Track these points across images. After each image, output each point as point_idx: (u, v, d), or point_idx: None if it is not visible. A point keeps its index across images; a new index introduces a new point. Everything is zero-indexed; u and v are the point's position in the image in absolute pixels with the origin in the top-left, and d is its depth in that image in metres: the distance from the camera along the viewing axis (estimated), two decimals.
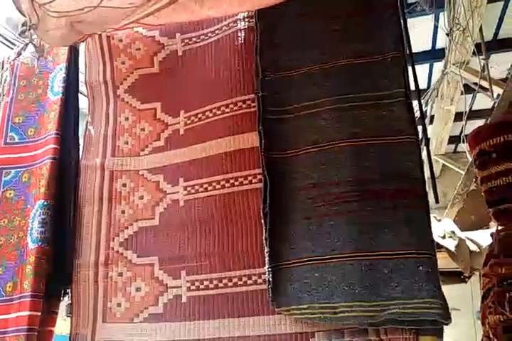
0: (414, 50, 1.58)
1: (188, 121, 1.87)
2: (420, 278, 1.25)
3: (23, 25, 1.66)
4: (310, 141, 1.57)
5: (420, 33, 3.79)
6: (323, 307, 1.33)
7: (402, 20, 1.59)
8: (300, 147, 1.57)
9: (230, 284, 1.56)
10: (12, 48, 2.86)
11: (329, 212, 1.43)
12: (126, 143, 1.96)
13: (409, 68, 1.60)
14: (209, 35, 1.96)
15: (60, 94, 1.98)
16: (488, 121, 2.60)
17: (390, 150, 1.46)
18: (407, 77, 1.56)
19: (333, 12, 1.71)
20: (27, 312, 1.65)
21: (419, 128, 1.59)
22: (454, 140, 5.81)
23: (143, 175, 1.89)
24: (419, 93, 1.72)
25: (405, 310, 1.22)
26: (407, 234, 1.32)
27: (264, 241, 1.48)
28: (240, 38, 1.86)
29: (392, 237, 1.33)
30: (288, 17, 1.78)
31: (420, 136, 1.52)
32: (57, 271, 1.78)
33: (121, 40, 2.10)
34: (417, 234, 1.32)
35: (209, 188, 1.72)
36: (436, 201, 1.40)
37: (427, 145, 1.60)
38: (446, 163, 5.70)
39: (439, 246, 2.10)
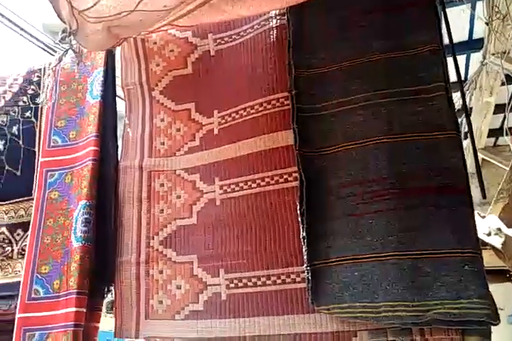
0: (454, 40, 1.53)
1: (222, 121, 1.89)
2: (466, 277, 1.21)
3: (63, 31, 1.72)
4: (346, 138, 1.54)
5: (456, 23, 3.66)
6: (364, 306, 1.31)
7: (441, 11, 1.54)
8: (336, 144, 1.56)
9: (268, 282, 1.57)
10: (52, 54, 2.97)
11: (369, 210, 1.41)
12: (163, 143, 2.00)
13: (446, 60, 1.55)
14: (241, 34, 1.96)
15: (99, 98, 2.04)
16: None
17: (430, 146, 1.42)
18: (447, 69, 1.51)
19: (367, 6, 1.68)
20: (73, 309, 1.71)
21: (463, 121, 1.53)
22: (494, 133, 5.58)
23: (179, 174, 1.92)
24: (462, 85, 1.66)
25: (451, 310, 1.19)
26: (450, 232, 1.29)
27: (302, 240, 1.48)
28: (272, 36, 1.85)
29: (435, 235, 1.30)
30: (320, 13, 1.76)
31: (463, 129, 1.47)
32: (100, 268, 1.84)
33: (155, 43, 2.14)
34: (461, 231, 1.28)
35: (244, 187, 1.73)
36: (484, 196, 1.35)
37: (472, 138, 1.54)
38: (487, 158, 5.49)
39: (484, 244, 2.03)
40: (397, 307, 1.26)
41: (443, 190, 1.35)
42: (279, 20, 1.86)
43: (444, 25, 1.60)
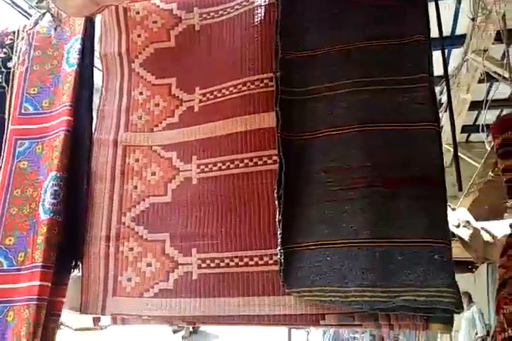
0: (433, 35, 1.54)
1: (204, 98, 1.84)
2: (435, 266, 1.24)
3: None
4: (328, 124, 1.54)
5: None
6: (334, 290, 1.33)
7: (434, 2, 1.53)
8: (317, 129, 1.55)
9: (240, 264, 1.57)
10: (28, 18, 2.81)
11: (345, 197, 1.42)
12: (140, 118, 1.94)
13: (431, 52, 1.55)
14: (228, 10, 1.91)
15: (75, 66, 1.95)
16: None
17: (410, 137, 1.43)
18: (431, 62, 1.51)
19: None
20: (37, 282, 1.67)
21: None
22: (466, 129, 5.74)
23: (156, 151, 1.87)
24: (448, 79, 1.67)
25: (418, 297, 1.22)
26: (422, 222, 1.31)
27: (277, 223, 1.48)
28: (260, 15, 1.81)
29: (408, 225, 1.32)
30: None
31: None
32: (68, 243, 1.79)
33: (138, 13, 2.05)
34: (433, 222, 1.31)
35: (222, 167, 1.71)
36: (460, 189, 1.38)
37: (454, 132, 1.56)
38: (458, 153, 5.64)
39: (453, 235, 2.09)
40: (366, 293, 1.28)
41: (419, 181, 1.37)
42: None
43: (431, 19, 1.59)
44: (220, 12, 1.93)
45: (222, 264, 1.59)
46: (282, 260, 1.42)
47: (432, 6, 1.59)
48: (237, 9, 1.88)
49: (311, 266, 1.39)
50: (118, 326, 1.77)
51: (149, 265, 1.72)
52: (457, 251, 2.13)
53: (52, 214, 1.75)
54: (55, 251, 1.73)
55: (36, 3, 1.72)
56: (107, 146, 1.91)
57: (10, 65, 2.15)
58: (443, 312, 1.23)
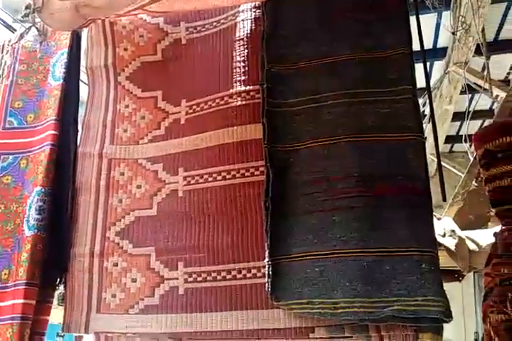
0: (415, 48, 1.58)
1: (190, 111, 1.85)
2: (422, 275, 1.25)
3: (26, 7, 1.63)
4: (314, 135, 1.55)
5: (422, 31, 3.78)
6: (323, 302, 1.32)
7: (416, 16, 1.58)
8: (304, 141, 1.56)
9: (228, 277, 1.55)
10: (13, 32, 2.80)
11: (332, 207, 1.42)
12: (126, 131, 1.93)
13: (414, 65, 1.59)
14: (214, 24, 1.93)
15: (61, 80, 1.93)
16: (493, 121, 2.63)
17: (395, 147, 1.45)
18: (414, 74, 1.55)
19: (342, 5, 1.69)
20: (21, 300, 1.62)
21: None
22: (449, 140, 5.84)
23: (141, 164, 1.85)
24: (430, 91, 1.71)
25: (407, 307, 1.21)
26: (410, 232, 1.32)
27: (265, 234, 1.47)
28: (245, 28, 1.83)
29: (395, 234, 1.33)
30: (296, 8, 1.76)
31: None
32: (53, 259, 1.75)
33: (124, 27, 2.06)
34: (420, 231, 1.32)
35: (209, 179, 1.70)
36: (444, 199, 1.40)
37: (436, 142, 1.59)
38: (442, 163, 5.72)
39: (439, 245, 2.11)
40: (355, 304, 1.27)
41: (404, 190, 1.38)
42: (254, 13, 1.84)
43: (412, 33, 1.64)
44: (207, 26, 1.95)
45: (209, 278, 1.57)
46: (270, 272, 1.41)
47: (413, 20, 1.63)
48: (223, 23, 1.91)
49: (299, 278, 1.38)
50: None
51: (134, 280, 1.68)
52: (443, 260, 2.14)
53: (36, 231, 1.72)
54: (40, 268, 1.69)
55: (21, 17, 1.71)
56: (91, 160, 1.89)
57: None
58: (432, 321, 1.22)
